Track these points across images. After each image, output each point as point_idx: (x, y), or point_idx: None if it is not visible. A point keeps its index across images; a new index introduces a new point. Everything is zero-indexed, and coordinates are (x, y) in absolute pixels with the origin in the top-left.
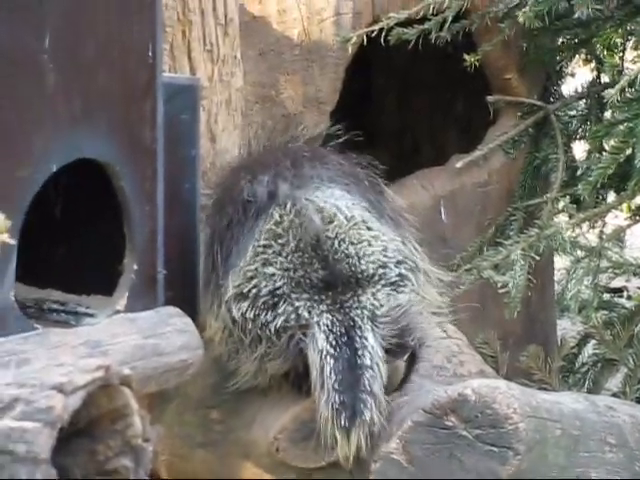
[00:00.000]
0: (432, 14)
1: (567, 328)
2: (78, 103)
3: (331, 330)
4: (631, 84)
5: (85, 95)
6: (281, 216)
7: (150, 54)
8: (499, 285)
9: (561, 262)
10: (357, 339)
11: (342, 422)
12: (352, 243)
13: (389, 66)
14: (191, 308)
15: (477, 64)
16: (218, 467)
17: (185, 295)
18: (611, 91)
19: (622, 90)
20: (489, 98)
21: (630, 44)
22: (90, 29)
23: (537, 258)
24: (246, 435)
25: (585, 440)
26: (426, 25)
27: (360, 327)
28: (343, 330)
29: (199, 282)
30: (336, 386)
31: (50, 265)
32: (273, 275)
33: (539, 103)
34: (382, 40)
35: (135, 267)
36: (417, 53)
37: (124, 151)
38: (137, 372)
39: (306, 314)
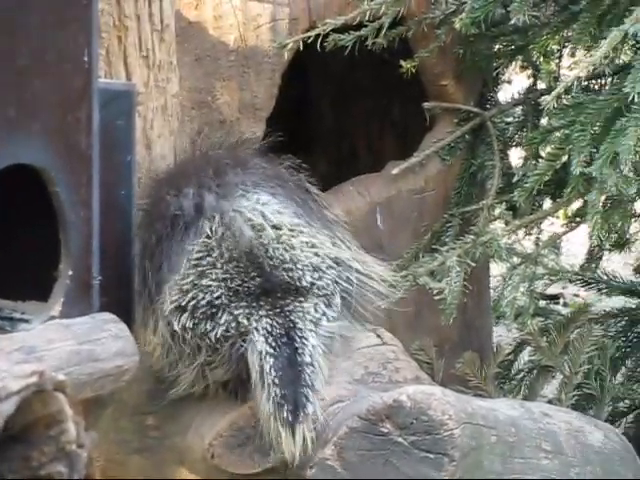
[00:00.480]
0: (368, 20)
1: (503, 335)
2: (13, 109)
3: (270, 333)
4: (567, 91)
5: (20, 101)
6: (211, 229)
7: (86, 59)
8: (435, 291)
9: (497, 269)
10: (297, 339)
11: (285, 416)
12: (285, 250)
13: (326, 72)
14: (126, 314)
15: (413, 70)
16: (154, 473)
17: (120, 301)
18: (547, 98)
19: (558, 97)
20: (425, 104)
21: (566, 51)
22: (25, 34)
23: (473, 265)
24: (182, 441)
25: (520, 447)
26: (362, 31)
27: (301, 328)
28: (283, 332)
29: (134, 288)
30: (277, 381)
31: None
32: (209, 286)
33: (475, 110)
34: (319, 46)
35: (70, 273)
36: (354, 59)
37: (59, 157)
38: (72, 378)
39: (245, 321)
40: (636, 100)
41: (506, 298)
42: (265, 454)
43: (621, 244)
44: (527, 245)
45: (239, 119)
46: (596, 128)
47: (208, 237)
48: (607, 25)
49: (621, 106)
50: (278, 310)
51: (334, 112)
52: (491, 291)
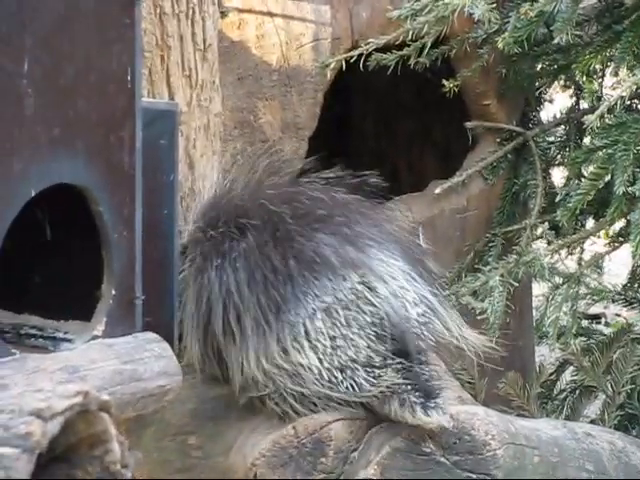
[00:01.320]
0: (411, 40)
1: (545, 355)
2: (57, 128)
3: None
4: (610, 110)
5: (64, 120)
6: (354, 290)
7: (129, 79)
8: (478, 311)
9: (539, 288)
10: None
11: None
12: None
13: (368, 92)
14: (169, 333)
15: (456, 90)
16: None
17: (163, 321)
18: (590, 117)
19: (601, 116)
20: (468, 124)
21: (609, 70)
22: (69, 54)
23: (515, 284)
24: (224, 461)
25: (563, 467)
26: (405, 51)
27: None
28: None
29: (176, 307)
30: None
31: (28, 290)
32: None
33: (518, 129)
34: (361, 65)
35: (113, 292)
36: (396, 79)
37: (103, 176)
38: (115, 397)
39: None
40: None
41: (549, 318)
42: (308, 474)
43: None
44: (570, 265)
45: (281, 138)
46: (639, 147)
47: (352, 289)
48: None
49: None
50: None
51: (376, 131)
52: (533, 311)
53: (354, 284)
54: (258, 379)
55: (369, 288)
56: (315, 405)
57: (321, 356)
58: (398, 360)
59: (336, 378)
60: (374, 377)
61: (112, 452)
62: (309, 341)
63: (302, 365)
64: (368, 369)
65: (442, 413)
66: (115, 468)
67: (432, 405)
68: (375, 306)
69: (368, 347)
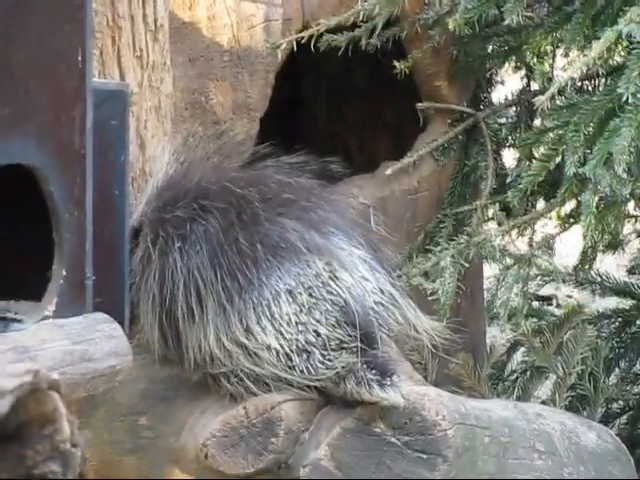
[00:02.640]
0: (362, 21)
1: (496, 336)
2: (7, 108)
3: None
4: (561, 91)
5: (14, 100)
6: (325, 270)
7: (80, 59)
8: (428, 292)
9: (491, 270)
10: None
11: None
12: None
13: (320, 73)
14: (120, 314)
15: (407, 71)
16: (147, 473)
17: (114, 301)
18: (541, 98)
19: (552, 97)
20: (419, 105)
21: (560, 51)
22: (20, 35)
23: (467, 265)
24: (175, 441)
25: (514, 447)
26: (356, 32)
27: None
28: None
29: (127, 288)
30: None
31: None
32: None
33: (469, 110)
34: (312, 47)
35: (64, 273)
36: (347, 60)
37: (53, 156)
38: (66, 378)
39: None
40: (630, 100)
41: (500, 299)
42: (258, 454)
43: (615, 245)
44: (520, 246)
45: (233, 119)
46: (590, 129)
47: (316, 276)
48: (601, 26)
49: (615, 107)
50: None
51: (328, 113)
52: (485, 292)
53: (319, 270)
54: (216, 356)
55: (333, 275)
56: (268, 386)
57: (282, 339)
58: (354, 344)
59: (292, 361)
60: (329, 360)
61: (62, 431)
62: (272, 323)
63: (263, 346)
64: (324, 352)
65: (398, 391)
66: (65, 447)
67: (388, 383)
68: (337, 294)
69: (327, 332)
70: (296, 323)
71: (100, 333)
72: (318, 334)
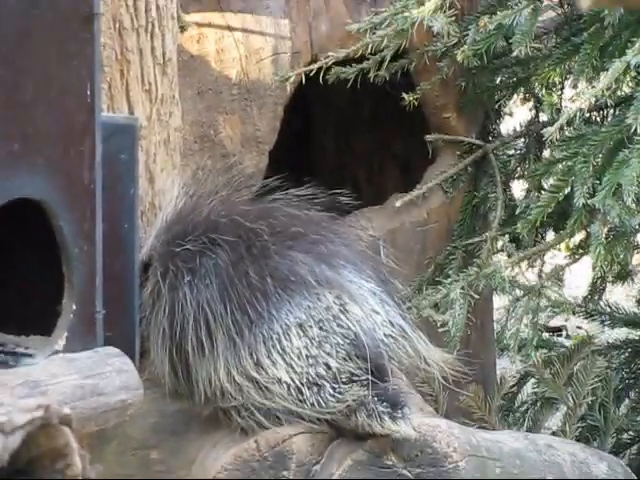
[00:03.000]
0: (370, 53)
1: (506, 367)
2: (16, 142)
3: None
4: (569, 122)
5: (23, 135)
6: (335, 303)
7: (88, 93)
8: (439, 324)
9: (500, 301)
10: None
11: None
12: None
13: (328, 105)
14: (130, 348)
15: (416, 103)
16: None
17: (124, 335)
18: (550, 129)
19: (561, 128)
20: (428, 137)
21: (568, 83)
22: (28, 68)
23: (476, 297)
24: (186, 475)
25: (525, 478)
26: (364, 64)
27: None
28: None
29: (137, 322)
30: None
31: None
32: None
33: (478, 142)
34: (321, 79)
35: (74, 307)
36: (356, 92)
37: (62, 190)
38: (76, 412)
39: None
40: (638, 131)
41: (509, 330)
42: None
43: (624, 276)
44: (530, 277)
45: (242, 152)
46: (599, 160)
47: (327, 309)
48: (609, 57)
49: (623, 137)
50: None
51: (336, 145)
52: (494, 323)
53: (329, 303)
54: (227, 390)
55: (343, 309)
56: (279, 419)
57: (292, 372)
58: (364, 377)
59: (302, 394)
60: (340, 393)
61: (74, 466)
62: (282, 356)
63: (274, 379)
64: (335, 385)
65: (409, 423)
66: None
67: (399, 415)
68: (347, 327)
69: (337, 365)
70: (307, 356)
71: (111, 367)
72: (329, 367)
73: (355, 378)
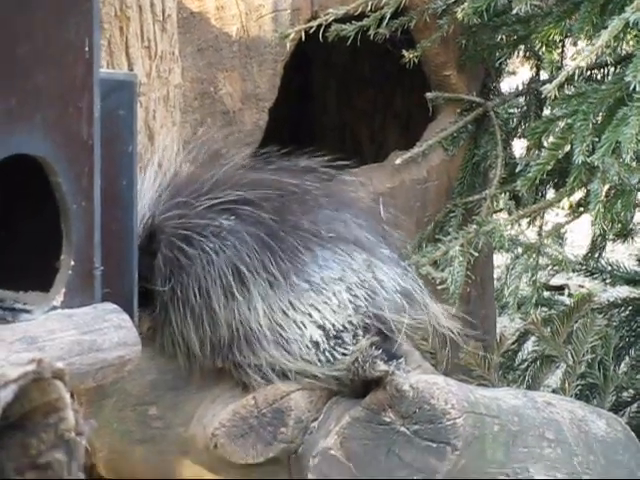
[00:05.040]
0: (370, 10)
1: (507, 325)
2: (14, 99)
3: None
4: (569, 80)
5: (21, 91)
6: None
7: (87, 50)
8: (438, 281)
9: (501, 259)
10: None
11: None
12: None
13: (329, 63)
14: (128, 304)
15: (416, 61)
16: (157, 464)
17: (122, 291)
18: (549, 87)
19: (560, 86)
20: (428, 95)
21: (569, 41)
22: (26, 25)
23: (476, 254)
24: (185, 431)
25: (524, 436)
26: (364, 21)
27: None
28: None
29: (136, 278)
30: None
31: None
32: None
33: (478, 100)
34: (321, 37)
35: (72, 263)
36: (356, 50)
37: (61, 147)
38: (74, 368)
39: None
40: (638, 89)
41: (509, 288)
42: (268, 444)
43: (624, 234)
44: (530, 235)
45: (242, 110)
46: (598, 117)
47: (357, 268)
48: (609, 14)
49: (623, 95)
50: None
51: (337, 103)
52: (495, 281)
53: (359, 263)
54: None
55: (370, 269)
56: (288, 379)
57: (318, 327)
58: (375, 334)
59: (320, 348)
60: (353, 345)
61: (67, 420)
62: (313, 308)
63: (296, 333)
64: (353, 341)
65: (403, 372)
66: (69, 436)
67: (394, 363)
68: (371, 287)
69: (357, 322)
70: (333, 312)
71: (109, 323)
72: (351, 323)
73: (366, 335)
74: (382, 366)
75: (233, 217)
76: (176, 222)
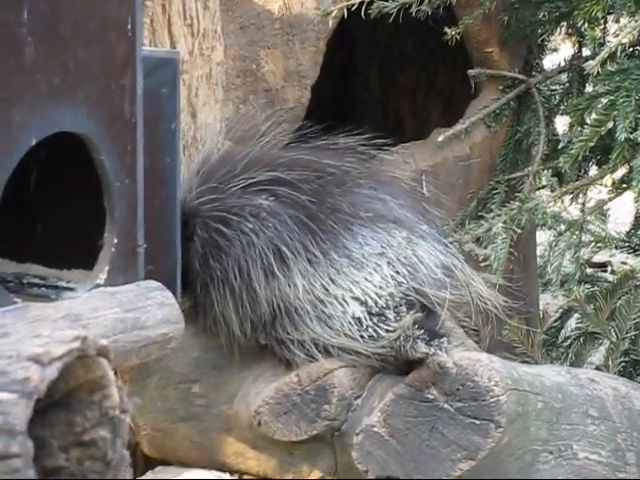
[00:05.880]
0: None
1: (550, 302)
2: (57, 77)
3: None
4: (612, 57)
5: (64, 69)
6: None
7: (130, 27)
8: (481, 258)
9: (544, 236)
10: None
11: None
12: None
13: (372, 40)
14: (172, 282)
15: (458, 38)
16: (200, 441)
17: (166, 269)
18: (591, 63)
19: (602, 63)
20: (470, 72)
21: (611, 17)
22: (69, 2)
23: (519, 231)
24: (228, 409)
25: (567, 413)
26: None
27: None
28: None
29: (179, 256)
30: None
31: (30, 239)
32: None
33: (521, 76)
34: (363, 14)
35: (115, 241)
36: (399, 27)
37: (104, 125)
38: (118, 346)
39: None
40: None
41: (552, 265)
42: (311, 421)
43: None
44: (573, 212)
45: (284, 87)
46: None
47: (398, 245)
48: None
49: None
50: None
51: (380, 80)
52: (538, 258)
53: (400, 240)
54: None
55: (410, 246)
56: (330, 355)
57: (360, 304)
58: (418, 310)
59: (362, 325)
60: (396, 322)
61: (111, 397)
62: (354, 284)
63: (339, 310)
64: (396, 317)
65: (445, 351)
66: (114, 413)
67: (436, 343)
68: (412, 264)
69: (399, 299)
70: (374, 287)
71: (152, 301)
72: (393, 299)
73: (411, 311)
74: (423, 348)
75: (272, 198)
76: (210, 206)
